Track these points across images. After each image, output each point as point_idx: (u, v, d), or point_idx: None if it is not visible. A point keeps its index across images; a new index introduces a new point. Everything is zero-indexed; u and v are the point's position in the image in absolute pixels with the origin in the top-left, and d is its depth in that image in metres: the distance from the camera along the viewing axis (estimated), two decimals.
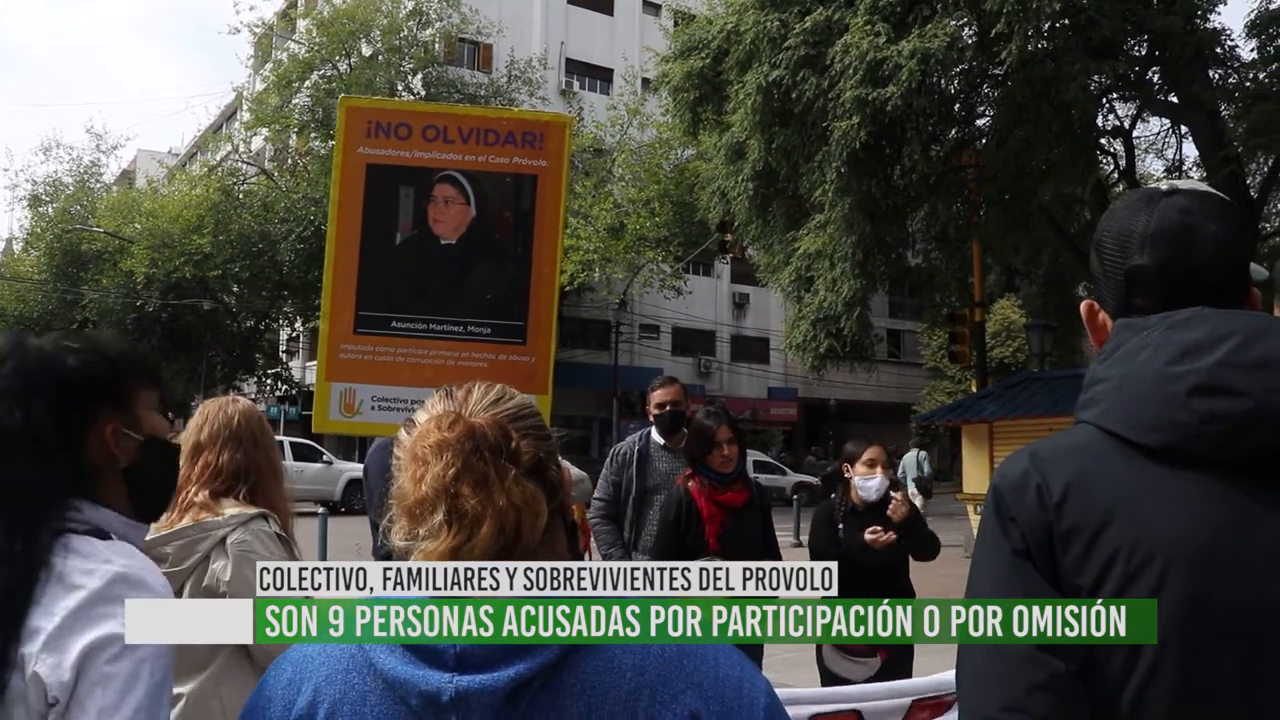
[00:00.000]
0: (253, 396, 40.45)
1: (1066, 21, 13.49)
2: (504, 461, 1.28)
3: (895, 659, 4.82)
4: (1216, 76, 15.41)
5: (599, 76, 40.93)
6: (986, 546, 1.43)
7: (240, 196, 35.14)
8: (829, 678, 4.85)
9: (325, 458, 25.33)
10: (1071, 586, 1.34)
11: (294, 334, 42.04)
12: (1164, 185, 1.53)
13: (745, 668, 1.28)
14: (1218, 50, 14.80)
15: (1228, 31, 15.35)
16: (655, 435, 5.42)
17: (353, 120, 3.11)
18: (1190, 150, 34.03)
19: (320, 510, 14.34)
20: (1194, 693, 1.27)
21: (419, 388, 3.05)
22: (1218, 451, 1.32)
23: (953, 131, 16.68)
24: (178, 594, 2.73)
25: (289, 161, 37.43)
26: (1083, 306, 1.60)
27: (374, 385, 3.08)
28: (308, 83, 34.40)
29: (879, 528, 4.74)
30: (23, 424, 1.50)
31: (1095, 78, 14.36)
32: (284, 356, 41.98)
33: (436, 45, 34.88)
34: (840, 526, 4.93)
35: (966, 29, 14.36)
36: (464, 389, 1.37)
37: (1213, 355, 1.33)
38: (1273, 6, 15.90)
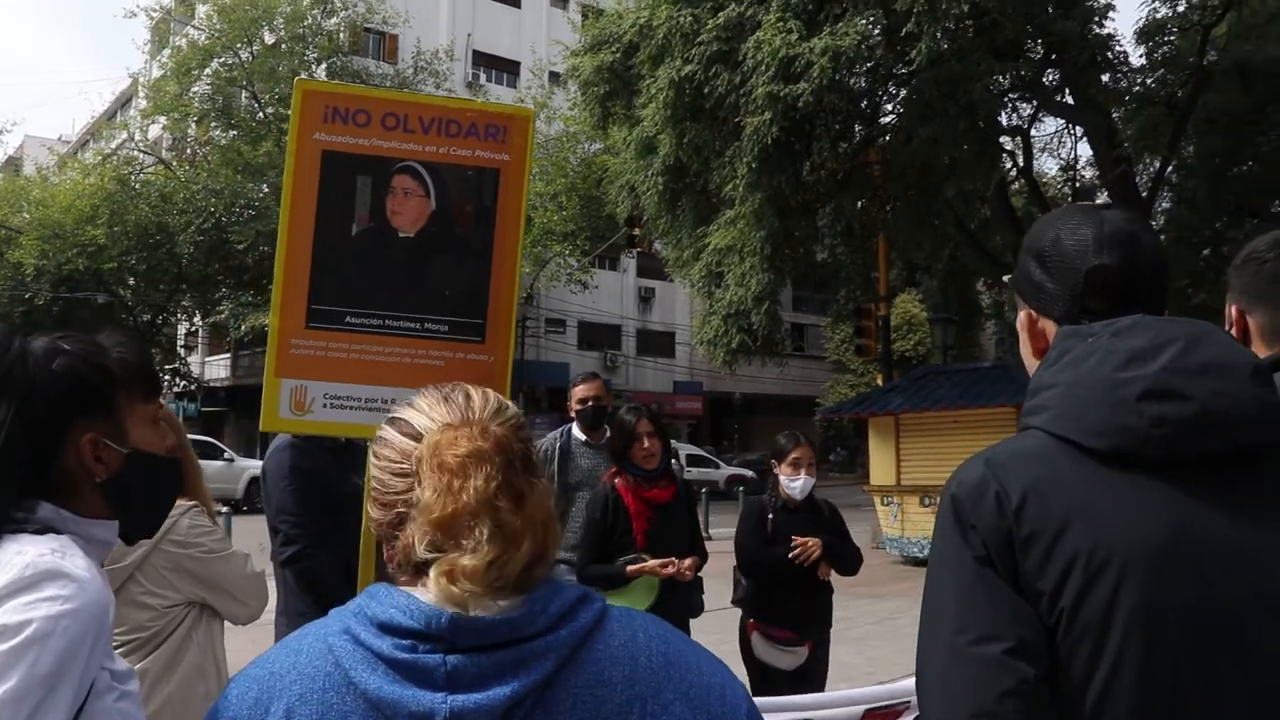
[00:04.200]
0: None
1: (971, 23, 13.79)
2: (530, 476, 1.27)
3: (816, 649, 4.93)
4: (1108, 80, 15.91)
5: (506, 69, 40.71)
6: (947, 553, 1.44)
7: (137, 186, 33.99)
8: (757, 667, 4.92)
9: (226, 455, 24.82)
10: (1033, 591, 1.36)
11: (192, 328, 40.95)
12: (1096, 203, 1.63)
13: (725, 674, 1.28)
14: (1109, 55, 15.29)
15: (1119, 37, 15.90)
16: (577, 431, 5.43)
17: (309, 104, 2.92)
18: (1084, 150, 35.02)
19: (223, 509, 14.03)
20: (1154, 693, 1.32)
21: (373, 385, 2.93)
22: (1166, 454, 1.37)
23: (860, 128, 16.94)
24: (118, 592, 2.70)
25: (188, 151, 36.38)
26: (1020, 316, 1.67)
27: (327, 382, 2.92)
28: (208, 70, 33.54)
29: (804, 540, 4.79)
30: None
31: (998, 78, 14.71)
32: (182, 352, 40.88)
33: (341, 34, 34.28)
34: (770, 517, 5.01)
35: (876, 28, 14.59)
36: (460, 393, 1.33)
37: (1157, 361, 1.39)
38: (1158, 15, 16.57)
